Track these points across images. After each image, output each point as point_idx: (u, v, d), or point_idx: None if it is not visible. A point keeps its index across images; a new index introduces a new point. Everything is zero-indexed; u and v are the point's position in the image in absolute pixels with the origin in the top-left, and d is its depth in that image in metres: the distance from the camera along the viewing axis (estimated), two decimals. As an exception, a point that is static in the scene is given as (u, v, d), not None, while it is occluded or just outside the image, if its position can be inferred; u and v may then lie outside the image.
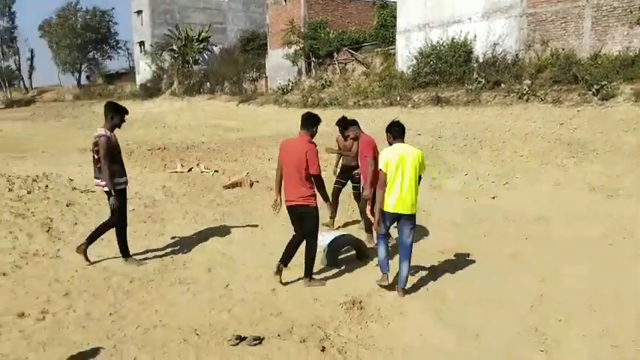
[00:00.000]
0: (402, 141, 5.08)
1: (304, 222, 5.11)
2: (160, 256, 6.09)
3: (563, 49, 15.31)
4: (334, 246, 5.91)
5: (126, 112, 5.90)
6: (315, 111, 22.19)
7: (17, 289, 4.99)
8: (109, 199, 5.70)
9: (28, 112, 35.56)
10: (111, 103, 5.95)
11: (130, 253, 5.93)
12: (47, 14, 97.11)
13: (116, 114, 5.77)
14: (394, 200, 4.87)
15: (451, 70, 17.62)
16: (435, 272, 5.66)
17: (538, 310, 4.66)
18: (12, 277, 5.30)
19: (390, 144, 5.09)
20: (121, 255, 5.89)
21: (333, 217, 7.43)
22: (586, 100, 13.22)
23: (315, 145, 5.14)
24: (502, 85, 15.80)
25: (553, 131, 11.89)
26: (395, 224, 5.10)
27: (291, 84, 25.52)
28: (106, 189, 5.57)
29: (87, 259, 5.72)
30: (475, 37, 17.58)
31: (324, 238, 6.26)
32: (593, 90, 13.15)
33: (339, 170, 7.85)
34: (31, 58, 58.75)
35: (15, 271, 5.43)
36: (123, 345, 3.87)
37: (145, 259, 6.00)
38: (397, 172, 4.86)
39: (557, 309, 4.62)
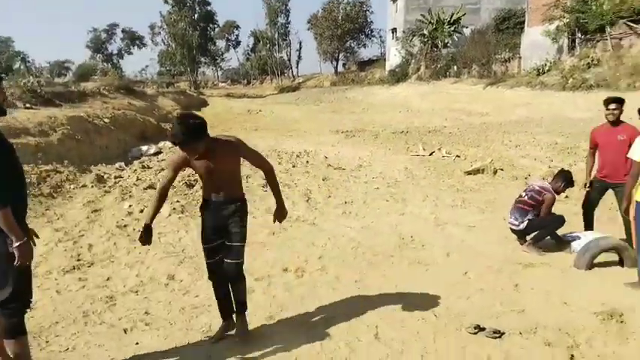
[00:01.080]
0: None
1: None
2: (401, 235, 6.34)
3: None
4: (591, 247, 5.23)
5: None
6: (578, 94, 20.13)
7: (283, 248, 5.87)
8: None
9: (294, 97, 40.93)
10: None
11: None
12: (315, 8, 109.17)
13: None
14: None
15: None
16: None
17: None
18: (280, 237, 6.26)
19: None
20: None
21: None
22: None
23: None
24: None
25: None
26: None
27: (548, 64, 23.19)
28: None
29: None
30: None
31: (581, 238, 5.61)
32: None
33: None
34: (299, 49, 67.01)
35: (281, 232, 6.38)
36: (363, 316, 4.14)
37: (388, 235, 6.34)
38: None
39: None
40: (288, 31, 64.42)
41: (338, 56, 58.44)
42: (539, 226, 5.81)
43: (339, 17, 54.55)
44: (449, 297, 4.47)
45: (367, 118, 22.76)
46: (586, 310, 4.23)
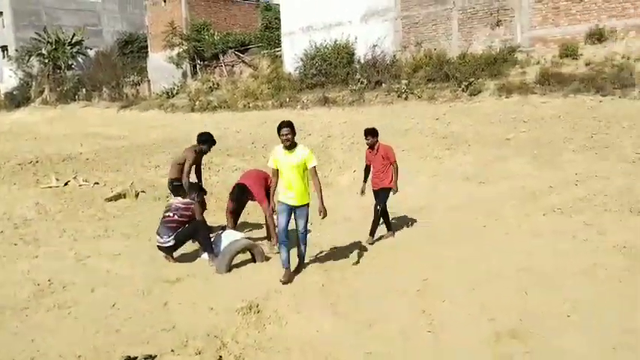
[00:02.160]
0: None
1: None
2: (35, 281, 5.53)
3: (435, 50, 16.49)
4: (226, 252, 5.80)
5: None
6: (205, 114, 21.63)
7: None
8: None
9: None
10: None
11: None
12: None
13: None
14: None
15: (336, 71, 18.15)
16: (328, 267, 5.80)
17: (425, 294, 4.96)
18: None
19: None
20: None
21: None
22: (457, 96, 14.36)
23: None
24: (383, 84, 16.62)
25: (430, 126, 12.76)
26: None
27: (176, 87, 24.59)
28: None
29: None
30: (356, 39, 18.27)
31: (220, 244, 6.14)
32: (463, 87, 14.33)
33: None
34: None
35: None
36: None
37: (18, 285, 5.41)
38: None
39: (441, 291, 4.95)
40: None
41: None
42: (188, 236, 6.15)
43: None
44: (96, 335, 4.15)
45: (-20, 151, 18.97)
46: (229, 309, 4.66)
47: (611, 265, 5.25)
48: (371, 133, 6.87)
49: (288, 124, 5.29)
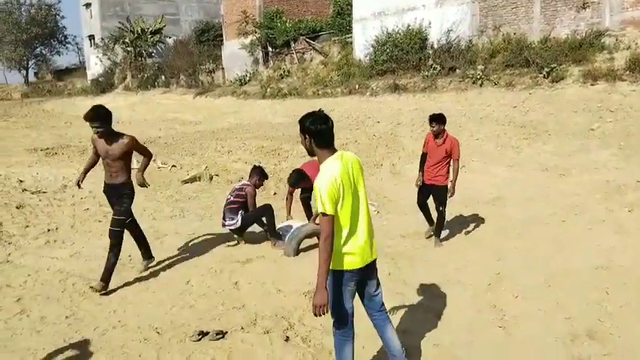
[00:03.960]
0: None
1: None
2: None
3: (514, 34, 15.67)
4: (295, 235, 5.89)
5: None
6: (275, 102, 22.00)
7: (-35, 297, 4.76)
8: None
9: (-28, 113, 33.82)
10: None
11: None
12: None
13: None
14: None
15: (407, 57, 17.77)
16: (396, 256, 5.74)
17: (496, 288, 4.79)
18: (-42, 286, 5.05)
19: None
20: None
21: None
22: (537, 82, 13.60)
23: None
24: (457, 70, 16.06)
25: (507, 114, 12.21)
26: None
27: (248, 75, 25.18)
28: None
29: None
30: (430, 24, 17.75)
31: (286, 229, 6.25)
32: (544, 73, 13.54)
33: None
34: (-27, 56, 55.75)
35: (-40, 279, 5.17)
36: (80, 348, 3.74)
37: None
38: None
39: (514, 286, 4.76)
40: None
41: (27, 64, 50.95)
42: (254, 218, 6.30)
43: (22, 20, 47.56)
44: (172, 309, 4.38)
45: (71, 133, 20.47)
46: (297, 292, 4.75)
47: None
48: (437, 119, 6.00)
49: None
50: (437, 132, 6.04)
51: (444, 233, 6.51)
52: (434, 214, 6.36)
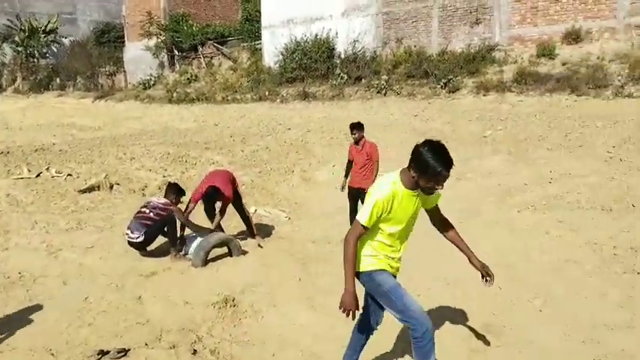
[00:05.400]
0: None
1: None
2: (6, 274, 5.38)
3: (415, 46, 16.59)
4: (203, 245, 5.73)
5: None
6: (182, 107, 21.37)
7: None
8: None
9: None
10: None
11: None
12: None
13: None
14: None
15: (316, 65, 18.12)
16: (306, 261, 5.78)
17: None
18: None
19: None
20: None
21: None
22: (436, 93, 14.49)
23: None
24: (363, 80, 16.66)
25: (409, 122, 12.85)
26: None
27: (153, 78, 24.22)
28: None
29: None
30: (337, 34, 18.26)
31: (195, 239, 6.06)
32: (442, 84, 14.46)
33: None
34: None
35: None
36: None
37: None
38: None
39: (417, 286, 4.99)
40: None
41: None
42: (158, 233, 6.03)
43: None
44: (68, 328, 4.07)
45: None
46: (205, 304, 4.61)
47: (582, 262, 5.36)
48: (357, 127, 6.58)
49: None
50: (357, 138, 6.62)
51: None
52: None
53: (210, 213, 6.59)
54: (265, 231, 7.32)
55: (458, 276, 5.17)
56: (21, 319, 4.33)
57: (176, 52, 25.25)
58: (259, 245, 6.53)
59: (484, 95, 13.52)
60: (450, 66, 14.92)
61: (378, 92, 15.55)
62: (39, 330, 4.10)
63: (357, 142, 6.64)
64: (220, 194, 6.21)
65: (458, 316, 4.34)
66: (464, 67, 14.78)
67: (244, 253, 6.08)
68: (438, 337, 4.02)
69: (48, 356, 3.65)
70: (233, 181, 6.62)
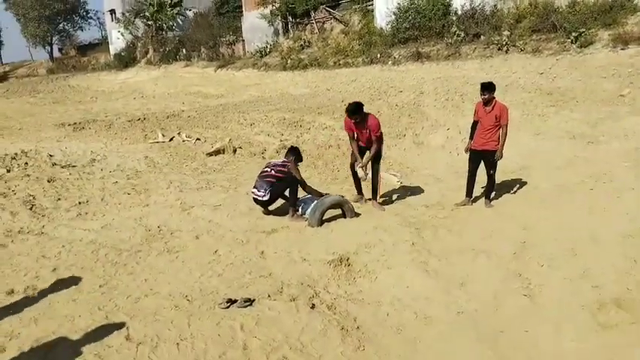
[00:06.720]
0: None
1: None
2: (147, 227, 6.07)
3: (541, -2, 15.16)
4: (319, 206, 5.94)
5: None
6: (296, 73, 21.90)
7: (3, 268, 4.97)
8: None
9: (1, 90, 34.55)
10: None
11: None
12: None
13: None
14: None
15: (430, 24, 17.39)
16: (420, 225, 5.75)
17: (521, 256, 4.78)
18: (-2, 256, 5.27)
19: None
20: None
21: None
22: (565, 48, 13.20)
23: None
24: (481, 37, 15.68)
25: (533, 81, 11.91)
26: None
27: (269, 46, 24.98)
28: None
29: None
30: (453, -12, 17.28)
31: (308, 201, 6.30)
32: (572, 37, 13.12)
33: None
34: (-2, 33, 56.52)
35: (0, 249, 5.39)
36: (114, 315, 3.90)
37: (132, 230, 5.99)
38: None
39: (539, 255, 4.74)
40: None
41: (51, 40, 51.43)
42: (282, 190, 6.36)
43: (45, -4, 47.73)
44: (201, 278, 4.51)
45: (97, 107, 20.83)
46: (321, 261, 4.83)
47: None
48: (488, 88, 6.29)
49: None
50: (488, 99, 6.35)
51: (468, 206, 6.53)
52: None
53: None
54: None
55: (587, 246, 4.81)
56: (162, 268, 4.89)
57: (290, 18, 25.69)
58: (381, 208, 6.61)
59: (622, 49, 12.03)
60: (581, 17, 13.44)
61: (498, 49, 14.56)
62: (176, 278, 4.61)
63: (486, 103, 6.38)
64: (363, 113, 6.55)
65: (585, 290, 4.07)
66: (598, 19, 13.22)
67: (357, 215, 6.21)
68: (561, 307, 3.83)
69: (184, 302, 4.10)
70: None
